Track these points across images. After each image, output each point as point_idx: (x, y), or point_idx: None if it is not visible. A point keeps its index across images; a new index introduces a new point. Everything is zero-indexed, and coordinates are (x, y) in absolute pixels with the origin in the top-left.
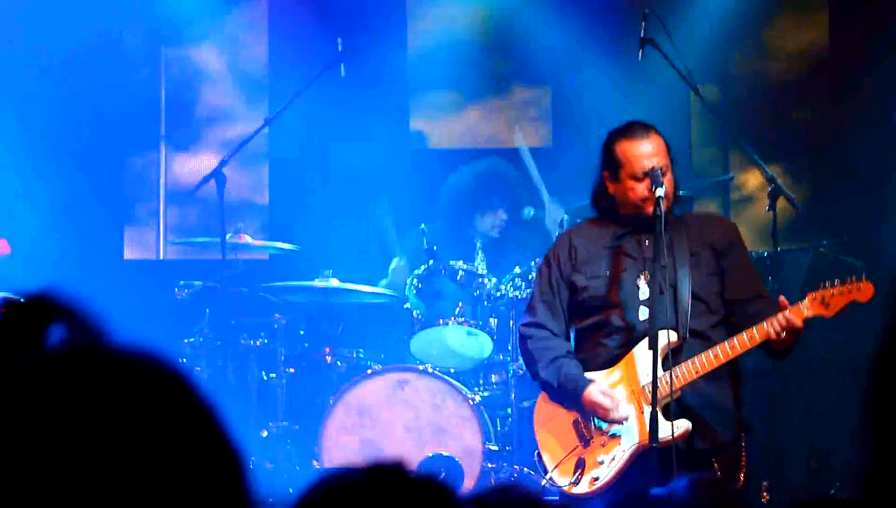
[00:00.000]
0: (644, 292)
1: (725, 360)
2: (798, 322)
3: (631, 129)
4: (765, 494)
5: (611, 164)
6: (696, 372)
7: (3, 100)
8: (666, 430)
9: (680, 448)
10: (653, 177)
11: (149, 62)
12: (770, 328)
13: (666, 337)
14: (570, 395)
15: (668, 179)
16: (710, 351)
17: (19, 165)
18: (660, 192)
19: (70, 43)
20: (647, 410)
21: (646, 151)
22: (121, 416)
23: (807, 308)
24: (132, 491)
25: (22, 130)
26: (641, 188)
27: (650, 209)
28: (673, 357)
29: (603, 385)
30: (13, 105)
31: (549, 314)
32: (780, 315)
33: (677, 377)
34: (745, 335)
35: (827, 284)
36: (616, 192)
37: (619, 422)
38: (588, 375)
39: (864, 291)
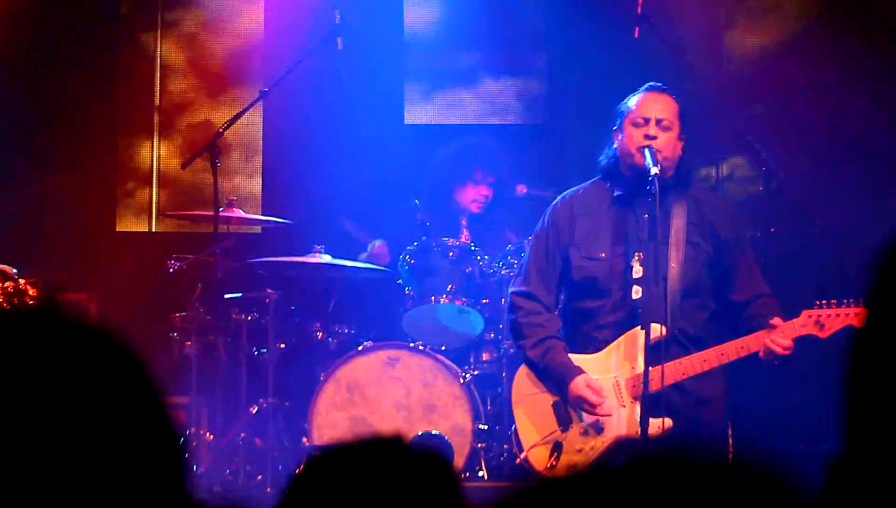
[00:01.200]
0: (637, 273)
1: (713, 367)
2: (787, 342)
3: (646, 86)
4: None
5: (619, 117)
6: (684, 374)
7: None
8: (647, 425)
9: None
10: (650, 154)
11: (144, 33)
12: (760, 343)
13: (655, 331)
14: (555, 381)
15: (669, 136)
16: (699, 355)
17: (13, 135)
18: (654, 170)
19: (65, 17)
20: (629, 402)
21: (651, 101)
22: (67, 380)
23: (800, 326)
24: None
25: (19, 102)
26: (639, 135)
27: (642, 160)
28: (658, 355)
29: (590, 378)
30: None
31: (541, 284)
32: (772, 334)
33: (664, 374)
34: (736, 345)
35: (824, 303)
36: (619, 146)
37: (604, 416)
38: (574, 358)
39: (861, 316)
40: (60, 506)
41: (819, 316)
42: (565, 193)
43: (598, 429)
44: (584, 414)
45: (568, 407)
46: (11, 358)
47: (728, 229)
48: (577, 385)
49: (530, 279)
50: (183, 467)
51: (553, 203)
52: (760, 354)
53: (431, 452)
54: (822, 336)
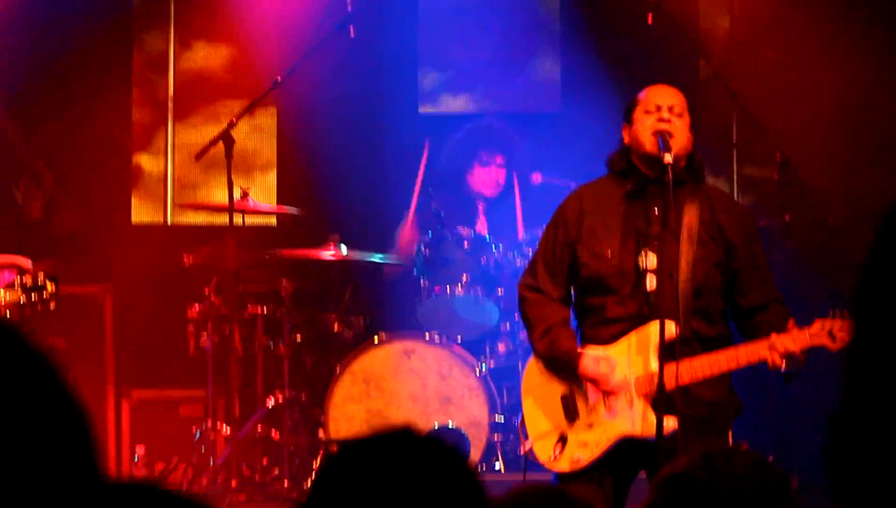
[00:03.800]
0: (646, 274)
1: (722, 371)
2: (795, 349)
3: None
4: None
5: (628, 111)
6: (692, 377)
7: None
8: (652, 425)
9: (666, 443)
10: (661, 141)
11: (158, 23)
12: (770, 352)
13: (665, 329)
14: (563, 367)
15: (683, 123)
16: (709, 358)
17: (30, 129)
18: (668, 158)
19: (79, 12)
20: (637, 400)
21: (661, 90)
22: None
23: (812, 336)
24: None
25: (37, 96)
26: (651, 120)
27: (655, 147)
28: (671, 353)
29: (597, 352)
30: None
31: (549, 278)
32: (781, 338)
33: (673, 375)
34: (747, 351)
35: (837, 312)
36: (630, 139)
37: (617, 390)
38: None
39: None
40: None
41: (832, 327)
42: (578, 187)
43: (605, 425)
44: (590, 410)
45: (576, 401)
46: None
47: (739, 233)
48: (585, 363)
49: (538, 274)
50: (90, 445)
51: (565, 198)
52: (769, 362)
53: (448, 443)
54: (833, 349)
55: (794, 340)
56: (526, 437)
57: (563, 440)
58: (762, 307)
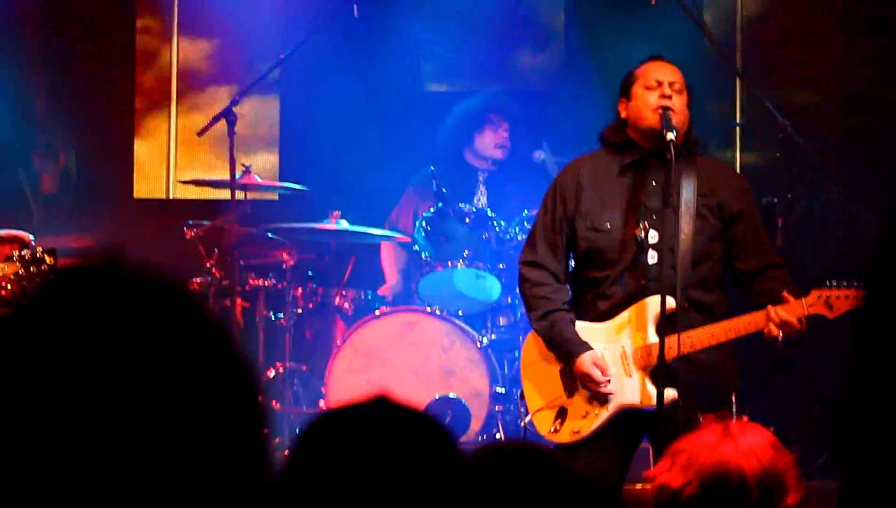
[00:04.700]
0: (647, 248)
1: (720, 341)
2: (791, 319)
3: (649, 56)
4: None
5: (626, 85)
6: (691, 347)
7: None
8: (651, 395)
9: (667, 412)
10: (665, 120)
11: (161, 8)
12: (766, 323)
13: (664, 303)
14: (560, 355)
15: (682, 99)
16: (707, 329)
17: (31, 103)
18: (671, 136)
19: None
20: (635, 372)
21: (660, 66)
22: (133, 336)
23: (808, 306)
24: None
25: (40, 71)
26: (653, 97)
27: (657, 121)
28: (669, 325)
29: (597, 356)
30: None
31: (549, 253)
32: (777, 310)
33: (671, 347)
34: (745, 321)
35: (834, 283)
36: (628, 114)
37: (606, 395)
38: (582, 326)
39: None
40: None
41: (829, 296)
42: (573, 161)
43: (604, 397)
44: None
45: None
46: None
47: (736, 201)
48: (583, 363)
49: (538, 248)
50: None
51: (561, 172)
52: (765, 332)
53: (424, 412)
54: (830, 317)
55: (790, 310)
56: (526, 411)
57: (562, 412)
58: (760, 271)
